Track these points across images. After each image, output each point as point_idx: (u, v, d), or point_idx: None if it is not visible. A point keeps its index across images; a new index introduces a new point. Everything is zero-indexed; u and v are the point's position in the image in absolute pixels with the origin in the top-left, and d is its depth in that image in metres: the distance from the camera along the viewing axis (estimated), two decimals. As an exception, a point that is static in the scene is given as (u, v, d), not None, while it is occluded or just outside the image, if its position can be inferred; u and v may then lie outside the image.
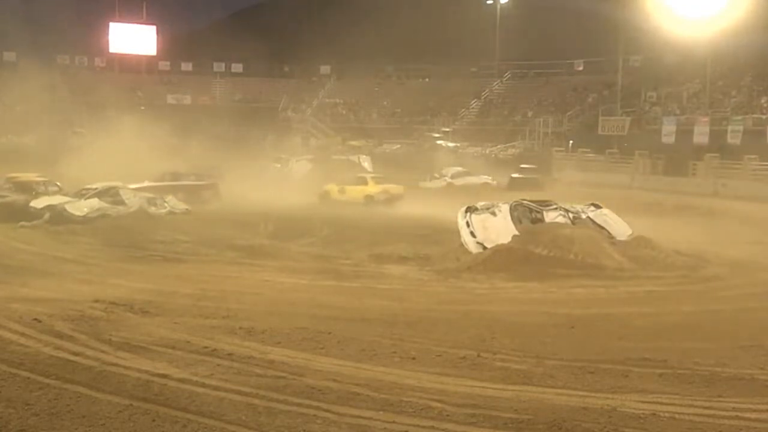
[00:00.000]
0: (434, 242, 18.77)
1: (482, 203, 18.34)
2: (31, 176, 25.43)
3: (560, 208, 18.12)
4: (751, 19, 40.34)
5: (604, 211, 18.33)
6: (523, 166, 41.20)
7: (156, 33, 66.98)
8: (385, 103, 66.91)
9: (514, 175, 38.12)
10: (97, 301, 11.87)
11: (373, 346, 9.60)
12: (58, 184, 24.71)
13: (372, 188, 29.11)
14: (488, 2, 65.24)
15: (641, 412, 7.34)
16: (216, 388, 7.84)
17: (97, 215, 22.56)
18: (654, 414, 7.29)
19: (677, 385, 8.24)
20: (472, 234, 16.85)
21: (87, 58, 66.28)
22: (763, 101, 43.17)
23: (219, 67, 69.08)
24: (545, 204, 18.37)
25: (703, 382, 8.34)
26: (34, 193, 23.61)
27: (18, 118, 47.34)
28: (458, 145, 54.17)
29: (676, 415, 7.28)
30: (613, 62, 51.46)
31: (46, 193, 23.58)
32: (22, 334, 9.81)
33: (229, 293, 12.98)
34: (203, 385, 7.93)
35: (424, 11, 75.93)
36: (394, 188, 29.47)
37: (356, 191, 29.07)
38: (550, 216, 17.76)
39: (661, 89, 50.75)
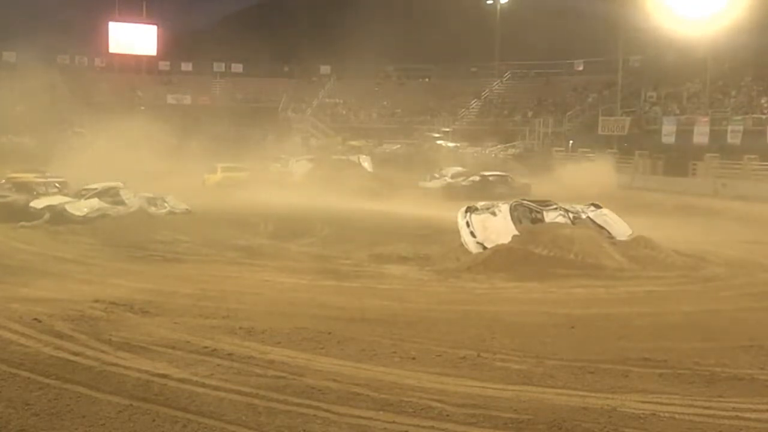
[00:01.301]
0: (434, 242, 18.76)
1: (482, 203, 18.35)
2: (30, 176, 25.42)
3: (560, 208, 18.12)
4: (751, 19, 40.33)
5: (604, 211, 18.32)
6: (485, 173, 35.21)
7: (156, 33, 66.92)
8: (385, 103, 66.90)
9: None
10: (97, 301, 11.88)
11: (373, 346, 9.60)
12: (58, 185, 24.67)
13: (218, 176, 35.04)
14: (488, 2, 65.27)
15: (641, 412, 7.34)
16: (216, 388, 7.84)
17: (97, 215, 22.57)
18: (654, 414, 7.29)
19: (677, 385, 8.24)
20: (472, 234, 16.85)
21: (87, 58, 66.18)
22: (763, 101, 43.15)
23: (219, 67, 69.04)
24: (545, 204, 18.38)
25: (703, 382, 8.34)
26: (35, 193, 23.61)
27: (18, 118, 47.31)
28: (458, 145, 54.17)
29: (676, 415, 7.28)
30: (613, 62, 51.43)
31: (46, 194, 23.58)
32: (22, 334, 9.81)
33: (229, 293, 12.98)
34: (203, 385, 7.93)
35: (424, 11, 75.91)
36: (237, 176, 35.01)
37: (212, 178, 34.95)
38: (550, 216, 17.76)
39: (661, 89, 50.75)
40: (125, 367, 8.51)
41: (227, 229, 21.44)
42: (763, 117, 40.91)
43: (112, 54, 66.00)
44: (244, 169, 36.09)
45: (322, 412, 7.24)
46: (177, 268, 15.75)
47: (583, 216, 17.95)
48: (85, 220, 22.05)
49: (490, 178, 34.15)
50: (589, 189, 26.69)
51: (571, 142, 50.08)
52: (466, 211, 17.58)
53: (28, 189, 23.89)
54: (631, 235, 17.34)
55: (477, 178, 34.33)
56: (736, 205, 29.62)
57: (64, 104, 53.67)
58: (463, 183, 33.92)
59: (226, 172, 35.20)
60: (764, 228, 22.97)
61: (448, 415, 7.20)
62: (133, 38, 65.87)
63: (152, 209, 24.12)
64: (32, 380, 8.03)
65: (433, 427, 6.94)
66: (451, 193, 32.23)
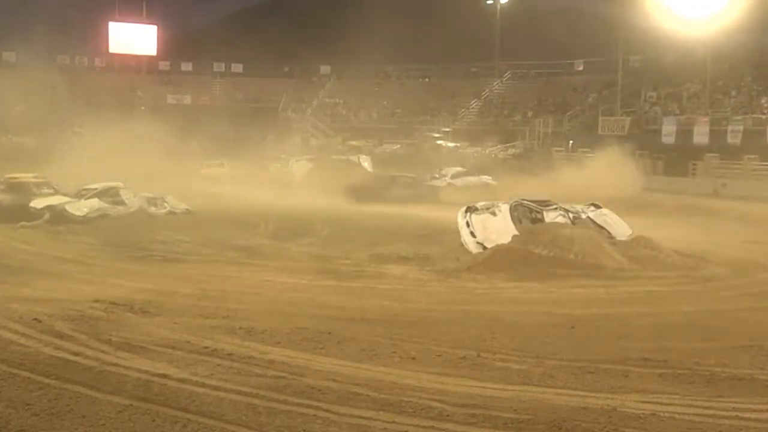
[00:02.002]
0: (434, 242, 18.76)
1: (482, 203, 18.33)
2: (27, 176, 25.33)
3: (560, 208, 18.11)
4: (751, 19, 40.33)
5: (604, 211, 18.31)
6: (394, 173, 33.30)
7: (156, 33, 66.91)
8: (385, 103, 66.88)
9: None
10: (97, 301, 11.87)
11: (373, 346, 9.60)
12: (55, 187, 24.56)
13: (204, 171, 39.32)
14: (488, 2, 65.28)
15: (641, 412, 7.34)
16: (216, 388, 7.84)
17: (97, 215, 22.57)
18: (654, 414, 7.29)
19: (677, 385, 8.24)
20: (472, 234, 16.84)
21: (87, 58, 66.18)
22: (763, 101, 43.15)
23: (219, 67, 69.03)
24: (545, 204, 18.37)
25: (703, 382, 8.34)
26: (30, 193, 23.53)
27: (18, 118, 47.31)
28: (458, 145, 54.18)
29: (676, 415, 7.28)
30: (613, 62, 51.43)
31: (40, 195, 23.49)
32: (22, 334, 9.81)
33: (229, 293, 12.97)
34: (203, 385, 7.93)
35: (424, 11, 75.99)
36: (220, 171, 39.74)
37: (202, 173, 38.99)
38: (550, 216, 17.75)
39: (661, 89, 50.74)
40: (125, 367, 8.51)
41: (227, 229, 21.44)
42: (763, 117, 40.90)
43: (112, 54, 65.96)
44: (223, 165, 40.56)
45: (322, 412, 7.24)
46: (177, 268, 15.75)
47: (583, 216, 17.94)
48: (85, 220, 22.05)
49: (399, 179, 32.59)
50: (605, 192, 25.09)
51: (571, 142, 50.04)
52: (466, 211, 17.57)
53: (22, 189, 23.78)
54: (631, 235, 17.33)
55: (383, 179, 32.72)
56: (736, 205, 29.59)
57: (64, 104, 53.61)
58: (368, 183, 32.32)
59: (207, 168, 39.83)
60: (764, 228, 22.96)
61: (448, 415, 7.19)
62: (133, 38, 65.84)
63: (152, 209, 24.13)
64: (32, 380, 8.03)
65: (433, 427, 6.94)
66: (353, 193, 30.83)
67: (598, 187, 26.75)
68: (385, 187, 31.39)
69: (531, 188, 25.36)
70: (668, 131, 43.99)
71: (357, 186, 31.73)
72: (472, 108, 62.94)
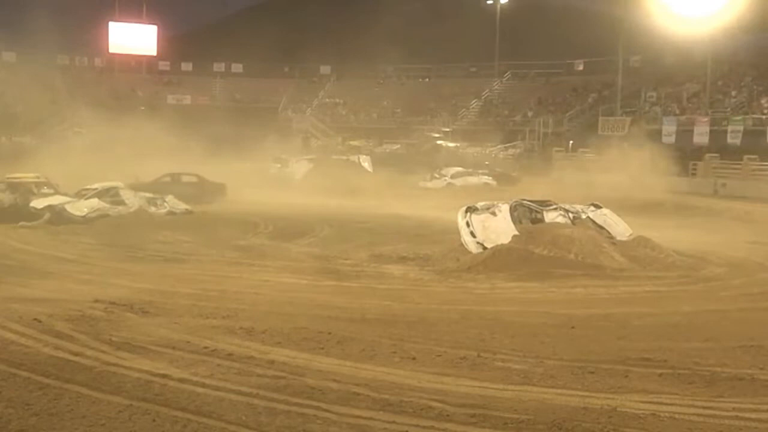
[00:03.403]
0: (434, 242, 18.75)
1: (482, 203, 18.31)
2: (28, 176, 25.31)
3: (560, 208, 18.11)
4: (751, 19, 40.37)
5: (604, 211, 18.31)
6: (176, 171, 30.36)
7: (156, 33, 66.91)
8: (385, 103, 66.89)
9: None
10: (97, 301, 11.86)
11: (373, 346, 9.59)
12: (55, 187, 24.52)
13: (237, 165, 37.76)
14: (488, 2, 65.30)
15: (641, 412, 7.34)
16: (216, 388, 7.84)
17: (97, 215, 22.56)
18: (654, 414, 7.29)
19: (677, 385, 8.24)
20: (472, 234, 16.82)
21: (87, 58, 66.28)
22: (763, 101, 43.19)
23: (219, 67, 69.09)
24: (545, 204, 18.37)
25: (703, 382, 8.33)
26: (29, 192, 23.53)
27: (18, 117, 47.34)
28: (458, 145, 54.22)
29: (676, 415, 7.27)
30: (613, 62, 51.51)
31: (40, 195, 23.48)
32: (22, 334, 9.80)
33: (229, 293, 12.97)
34: (203, 385, 7.92)
35: (424, 11, 76.00)
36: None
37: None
38: (550, 216, 17.75)
39: (661, 89, 50.81)
40: (125, 367, 8.50)
41: (227, 229, 21.44)
42: (763, 117, 40.95)
43: (112, 54, 66.00)
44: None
45: (322, 412, 7.23)
46: (177, 268, 15.74)
47: (583, 216, 17.94)
48: (85, 220, 22.04)
49: (179, 177, 30.61)
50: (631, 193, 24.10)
51: (571, 142, 50.08)
52: (466, 211, 17.55)
53: (22, 189, 23.78)
54: (631, 235, 17.34)
55: (163, 177, 30.23)
56: (736, 205, 29.61)
57: (64, 104, 53.64)
58: (148, 181, 29.49)
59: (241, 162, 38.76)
60: (764, 228, 22.97)
61: (448, 415, 7.19)
62: (133, 38, 65.87)
63: (152, 209, 24.14)
64: (32, 380, 8.02)
65: (433, 427, 6.93)
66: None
67: (623, 189, 26.70)
68: (165, 186, 29.02)
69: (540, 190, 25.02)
70: (668, 131, 44.05)
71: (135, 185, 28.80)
72: (472, 108, 62.96)
